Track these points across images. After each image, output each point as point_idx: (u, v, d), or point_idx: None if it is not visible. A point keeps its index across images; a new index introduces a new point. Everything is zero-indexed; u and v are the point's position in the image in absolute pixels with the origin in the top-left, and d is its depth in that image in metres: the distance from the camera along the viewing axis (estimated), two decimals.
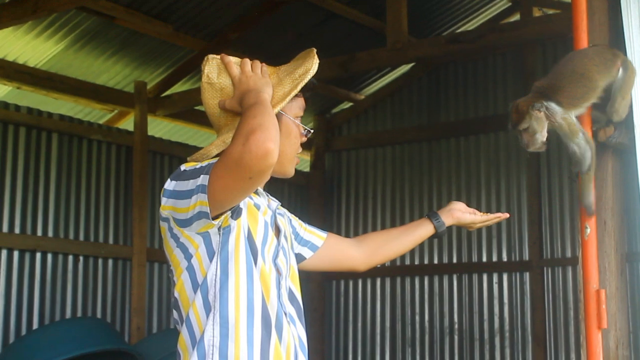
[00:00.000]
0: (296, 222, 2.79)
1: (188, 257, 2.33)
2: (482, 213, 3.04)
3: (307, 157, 9.19)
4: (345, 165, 9.15)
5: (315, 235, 2.83)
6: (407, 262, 8.59)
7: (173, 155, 7.83)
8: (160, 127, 8.67)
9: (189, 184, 2.27)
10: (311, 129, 2.59)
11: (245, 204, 2.36)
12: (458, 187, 8.42)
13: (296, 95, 2.51)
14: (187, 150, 7.88)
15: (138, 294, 7.22)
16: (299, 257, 2.77)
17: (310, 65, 2.46)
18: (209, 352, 2.27)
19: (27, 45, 7.06)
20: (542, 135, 3.43)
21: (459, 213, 3.00)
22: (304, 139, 2.57)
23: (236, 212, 2.32)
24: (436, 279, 8.47)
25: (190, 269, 2.33)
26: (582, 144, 3.43)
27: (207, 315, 2.29)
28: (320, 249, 2.82)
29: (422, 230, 2.97)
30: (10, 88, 7.26)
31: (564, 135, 3.45)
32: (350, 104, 9.22)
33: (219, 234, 2.30)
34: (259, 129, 2.14)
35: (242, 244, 2.32)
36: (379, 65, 7.28)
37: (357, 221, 8.96)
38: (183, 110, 7.89)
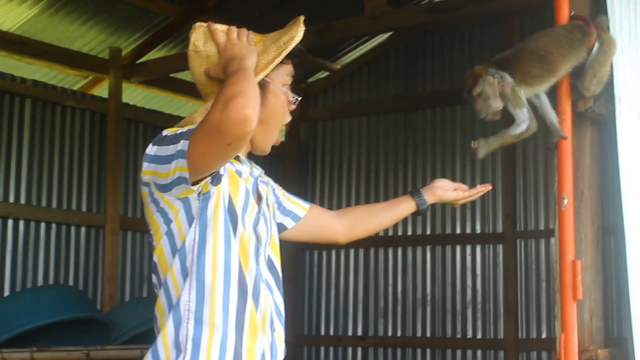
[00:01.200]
0: (279, 191, 2.79)
1: (167, 221, 2.34)
2: (467, 187, 3.05)
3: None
4: (321, 135, 9.12)
5: (298, 206, 2.83)
6: (381, 233, 8.57)
7: (147, 123, 7.76)
8: (135, 95, 8.59)
9: (170, 149, 2.27)
10: (295, 96, 2.58)
11: (226, 170, 2.37)
12: (433, 158, 8.42)
13: (284, 62, 2.50)
14: (161, 118, 7.83)
15: (111, 262, 7.17)
16: (281, 227, 2.76)
17: (296, 33, 2.45)
18: (184, 316, 2.29)
19: (0, 9, 6.96)
20: (496, 102, 3.45)
21: (441, 191, 3.01)
22: (292, 107, 2.57)
23: (216, 178, 2.32)
24: (409, 251, 8.47)
25: (170, 234, 2.34)
26: (523, 116, 3.46)
27: (184, 280, 2.31)
28: (302, 219, 2.82)
29: (403, 207, 2.99)
30: None
31: (509, 104, 3.48)
32: (327, 73, 9.16)
33: (199, 200, 2.31)
34: (238, 95, 2.14)
35: (221, 210, 2.33)
36: (356, 34, 7.26)
37: (332, 191, 8.94)
38: (158, 78, 7.81)
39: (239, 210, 2.36)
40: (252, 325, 2.35)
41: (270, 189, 2.68)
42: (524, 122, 3.47)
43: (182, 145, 2.24)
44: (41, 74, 7.75)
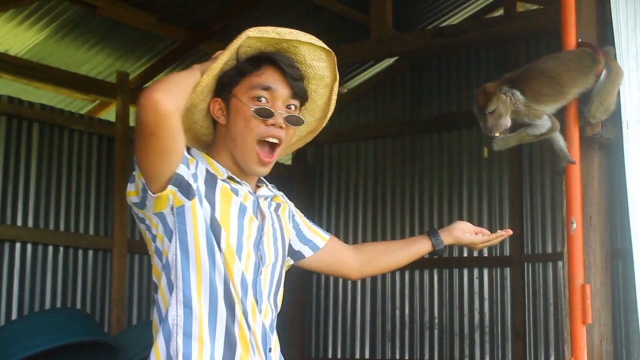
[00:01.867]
0: (300, 218, 2.75)
1: (153, 238, 2.36)
2: (489, 232, 2.98)
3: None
4: (328, 158, 9.13)
5: (318, 236, 2.80)
6: None
7: None
8: None
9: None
10: (263, 106, 2.38)
11: (218, 187, 2.36)
12: (440, 182, 8.41)
13: (253, 75, 2.39)
14: None
15: (118, 285, 7.15)
16: (298, 255, 2.74)
17: (245, 31, 2.38)
18: (173, 331, 2.30)
19: (9, 34, 7.01)
20: (506, 120, 3.45)
21: (459, 232, 2.96)
22: (270, 123, 2.38)
23: (190, 192, 2.30)
24: (417, 274, 8.45)
25: (157, 251, 2.36)
26: (544, 122, 3.45)
27: (171, 295, 2.32)
28: (321, 250, 2.79)
29: (419, 246, 2.93)
30: None
31: (525, 119, 3.47)
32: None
33: (173, 214, 2.30)
34: (151, 85, 2.15)
35: (200, 223, 2.31)
36: (362, 58, 7.28)
37: (339, 214, 8.95)
38: None
39: (231, 226, 2.34)
40: (243, 342, 2.34)
41: (289, 214, 2.65)
42: (544, 125, 3.46)
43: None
44: (49, 98, 7.78)
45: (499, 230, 3.01)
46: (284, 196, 2.65)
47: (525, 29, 6.47)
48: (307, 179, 9.09)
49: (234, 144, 2.39)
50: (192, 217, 2.30)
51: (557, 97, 3.50)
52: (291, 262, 2.69)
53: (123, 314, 7.16)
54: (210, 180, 2.37)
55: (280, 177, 8.81)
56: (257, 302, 2.38)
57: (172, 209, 2.30)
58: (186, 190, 2.29)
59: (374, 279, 8.62)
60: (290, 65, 2.44)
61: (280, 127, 2.40)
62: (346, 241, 8.86)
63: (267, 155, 2.40)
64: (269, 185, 2.57)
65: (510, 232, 3.02)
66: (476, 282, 8.15)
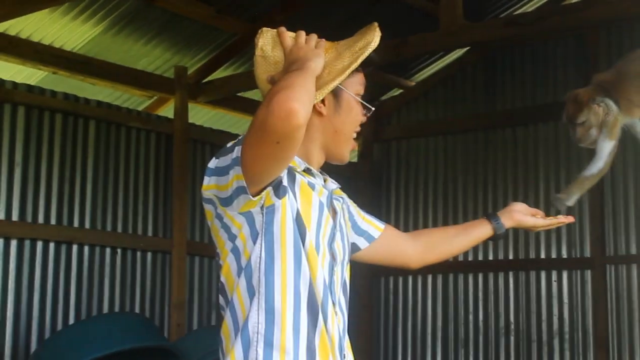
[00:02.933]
0: (354, 209, 2.78)
1: (232, 238, 2.35)
2: (544, 216, 3.03)
3: (355, 149, 9.14)
4: (395, 155, 9.13)
5: (373, 226, 2.82)
6: (460, 258, 8.54)
7: (214, 144, 7.84)
8: (202, 115, 8.70)
9: (228, 159, 2.30)
10: (372, 107, 2.61)
11: (297, 183, 2.37)
12: (515, 180, 8.37)
13: (357, 71, 2.52)
14: (229, 139, 7.82)
15: (178, 289, 7.25)
16: (354, 247, 2.76)
17: (372, 38, 2.47)
18: (253, 339, 2.28)
19: (64, 29, 7.11)
20: (597, 131, 3.39)
21: (519, 215, 3.00)
22: (364, 119, 2.59)
23: (281, 190, 2.32)
24: (491, 277, 8.42)
25: (235, 251, 2.35)
26: (606, 150, 3.40)
27: (251, 301, 2.30)
28: (376, 240, 2.81)
29: (479, 231, 3.00)
30: (46, 73, 7.31)
31: (604, 131, 3.42)
32: (400, 91, 9.18)
33: (262, 214, 2.31)
34: (285, 89, 2.15)
35: (289, 224, 2.32)
36: (431, 49, 7.29)
37: (408, 214, 8.95)
38: (225, 97, 7.90)
39: (311, 225, 2.36)
40: (323, 349, 2.34)
41: (345, 205, 2.68)
42: (601, 159, 3.41)
43: (237, 152, 2.26)
44: (105, 95, 7.88)
45: (560, 216, 3.05)
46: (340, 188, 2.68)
47: (607, 15, 6.31)
48: (374, 177, 9.11)
49: (335, 135, 2.51)
50: (281, 217, 2.31)
51: None
52: (349, 257, 2.67)
53: (183, 319, 7.27)
54: (290, 175, 2.37)
55: (345, 175, 8.81)
56: (334, 305, 2.41)
57: (262, 208, 2.31)
58: (278, 188, 2.31)
59: (445, 281, 8.62)
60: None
61: None
62: None
63: (354, 144, 2.59)
64: (329, 178, 2.59)
65: (572, 219, 3.06)
66: (554, 285, 8.08)
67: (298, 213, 2.34)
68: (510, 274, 8.32)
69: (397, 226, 8.79)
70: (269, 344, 2.28)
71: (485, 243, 8.37)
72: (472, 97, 8.76)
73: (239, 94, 7.95)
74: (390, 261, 2.92)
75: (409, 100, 9.10)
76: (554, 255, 8.11)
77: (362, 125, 2.60)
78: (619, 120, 3.39)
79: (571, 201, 3.44)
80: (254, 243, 2.31)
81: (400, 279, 8.87)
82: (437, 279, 8.66)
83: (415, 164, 8.99)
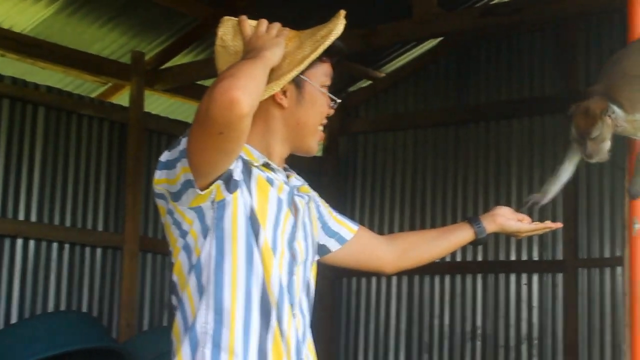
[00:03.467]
0: (325, 209, 2.73)
1: (183, 234, 2.34)
2: (531, 221, 3.00)
3: (322, 139, 9.15)
4: (362, 149, 9.09)
5: (345, 227, 2.77)
6: None
7: (171, 135, 7.74)
8: (159, 103, 8.69)
9: (176, 152, 2.30)
10: (339, 98, 2.58)
11: (254, 177, 2.36)
12: (486, 177, 8.34)
13: (322, 61, 2.50)
14: (186, 129, 7.82)
15: (129, 287, 7.18)
16: (324, 249, 2.72)
17: (334, 26, 2.45)
18: (201, 340, 2.27)
19: (13, 9, 7.00)
20: (608, 144, 3.34)
21: (502, 219, 2.96)
22: (331, 111, 2.55)
23: (232, 185, 2.30)
24: (458, 279, 8.40)
25: (186, 248, 2.34)
26: None
27: (200, 299, 2.29)
28: (348, 242, 2.76)
29: (459, 235, 2.93)
30: None
31: (628, 134, 3.37)
32: (369, 82, 9.15)
33: (213, 209, 2.30)
34: (229, 77, 2.14)
35: (241, 220, 2.30)
36: (403, 39, 7.33)
37: (373, 211, 8.91)
38: (184, 85, 7.84)
39: (267, 222, 2.34)
40: (276, 352, 2.32)
41: (314, 204, 2.64)
42: None
43: (183, 144, 2.26)
44: (56, 80, 7.80)
45: (547, 221, 3.02)
46: (308, 185, 2.64)
47: (586, 7, 6.35)
48: (340, 172, 9.08)
49: (298, 127, 2.49)
50: (232, 212, 2.30)
51: None
52: (316, 258, 2.63)
53: (133, 319, 7.20)
54: (246, 169, 2.36)
55: (310, 169, 8.77)
56: (291, 306, 2.38)
57: (212, 202, 2.29)
58: (229, 182, 2.30)
59: (410, 284, 8.58)
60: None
61: None
62: None
63: (321, 135, 2.57)
64: (295, 174, 2.56)
65: (560, 225, 3.06)
66: (524, 288, 8.08)
67: (252, 209, 2.32)
68: (479, 276, 8.31)
69: (362, 223, 8.75)
70: (216, 345, 2.27)
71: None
72: (444, 90, 8.74)
73: (198, 82, 7.87)
74: (364, 265, 2.86)
75: (378, 92, 9.08)
76: (524, 258, 8.09)
77: (328, 117, 2.56)
78: (632, 117, 3.34)
79: None
80: (205, 239, 2.30)
81: (364, 280, 8.83)
82: (402, 281, 8.65)
83: (384, 159, 8.95)
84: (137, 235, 7.28)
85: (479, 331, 8.24)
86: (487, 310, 8.23)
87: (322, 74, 2.52)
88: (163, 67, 7.78)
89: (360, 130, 9.06)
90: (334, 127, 9.00)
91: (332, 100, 2.55)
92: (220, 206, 2.29)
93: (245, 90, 2.12)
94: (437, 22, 6.56)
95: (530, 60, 8.25)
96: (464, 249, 8.30)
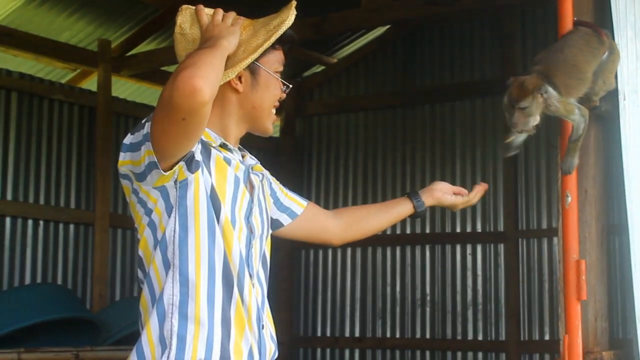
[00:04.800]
0: (277, 186, 2.78)
1: (148, 212, 2.35)
2: (467, 192, 3.08)
3: (277, 122, 9.15)
4: (317, 131, 9.13)
5: (296, 203, 2.82)
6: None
7: (137, 117, 7.70)
8: (125, 88, 8.58)
9: (140, 135, 2.30)
10: (290, 84, 2.60)
11: (212, 157, 2.38)
12: (432, 155, 8.43)
13: (275, 49, 2.52)
14: (150, 113, 7.84)
15: (100, 261, 7.18)
16: (277, 224, 2.77)
17: (286, 16, 2.46)
18: (168, 311, 2.29)
19: None
20: (535, 120, 3.43)
21: (439, 193, 3.02)
22: (283, 95, 2.57)
23: (194, 165, 2.32)
24: (408, 250, 8.49)
25: (151, 225, 2.34)
26: (577, 118, 3.46)
27: (167, 273, 2.30)
28: (299, 217, 2.81)
29: (400, 209, 2.99)
30: None
31: (560, 114, 3.47)
32: (322, 67, 9.17)
33: (176, 188, 2.31)
34: (191, 66, 2.16)
35: (202, 199, 2.32)
36: (352, 26, 7.26)
37: (328, 188, 8.96)
38: (149, 71, 7.82)
39: (226, 199, 2.36)
40: (239, 320, 2.35)
41: (267, 182, 2.67)
42: (580, 123, 3.47)
43: (147, 128, 2.26)
44: (28, 67, 7.73)
45: (475, 186, 3.10)
46: (260, 164, 2.67)
47: None
48: (296, 152, 9.11)
49: (254, 110, 2.51)
50: (195, 190, 2.32)
51: (582, 85, 3.50)
52: (269, 231, 2.66)
53: (105, 291, 7.20)
54: (205, 150, 2.38)
55: (268, 150, 8.82)
56: (251, 277, 2.40)
57: (175, 182, 2.31)
58: (191, 163, 2.31)
59: (364, 255, 8.66)
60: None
61: None
62: None
63: (274, 118, 2.59)
64: (249, 154, 2.59)
65: (486, 185, 3.13)
66: (469, 258, 8.19)
67: (212, 187, 2.34)
68: (427, 247, 8.40)
69: (318, 200, 8.82)
70: (183, 316, 2.28)
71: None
72: (392, 75, 8.77)
73: (162, 68, 7.83)
74: (313, 238, 2.91)
75: (331, 77, 9.09)
76: (469, 230, 8.20)
77: (282, 101, 2.59)
78: (564, 100, 3.44)
79: (572, 164, 3.47)
80: (169, 217, 2.32)
81: (320, 252, 8.88)
82: (356, 252, 8.70)
83: (336, 139, 9.00)
84: (107, 212, 7.26)
85: (428, 298, 8.34)
86: (435, 278, 8.34)
87: (275, 61, 2.53)
88: (129, 54, 7.73)
89: (314, 113, 9.08)
90: (290, 110, 9.01)
91: (285, 85, 2.56)
92: (182, 185, 2.30)
93: (206, 79, 2.14)
94: (384, 11, 6.56)
95: (471, 47, 8.31)
96: (412, 221, 8.43)
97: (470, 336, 8.13)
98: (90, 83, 7.88)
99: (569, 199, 3.51)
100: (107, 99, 7.43)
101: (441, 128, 8.43)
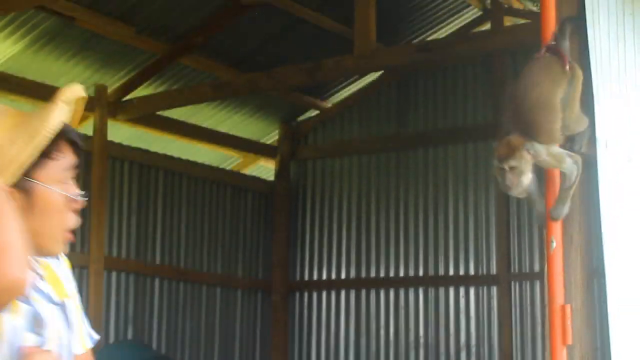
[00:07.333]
0: None
1: None
2: None
3: (271, 166, 9.20)
4: (311, 174, 9.16)
5: None
6: (373, 274, 8.60)
7: (133, 161, 7.81)
8: (121, 132, 8.59)
9: None
10: (80, 193, 1.96)
11: None
12: (425, 199, 8.45)
13: (52, 158, 1.89)
14: (147, 156, 7.90)
15: (95, 304, 7.17)
16: None
17: (48, 118, 1.87)
18: None
19: None
20: (527, 178, 3.42)
21: None
22: (77, 205, 1.95)
23: None
24: (402, 292, 8.49)
25: None
26: (569, 166, 3.45)
27: None
28: None
29: None
30: None
31: (553, 167, 3.46)
32: (317, 111, 9.23)
33: None
34: (6, 260, 1.72)
35: None
36: (345, 72, 7.37)
37: (322, 232, 8.98)
38: (144, 115, 7.86)
39: None
40: None
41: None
42: (572, 170, 3.45)
43: None
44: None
45: None
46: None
47: (512, 43, 6.52)
48: (290, 195, 9.11)
49: (38, 238, 1.89)
50: None
51: (558, 121, 3.49)
52: None
53: (100, 333, 7.14)
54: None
55: (263, 192, 8.86)
56: None
57: None
58: None
59: (357, 297, 8.66)
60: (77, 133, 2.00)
61: None
62: (330, 258, 8.88)
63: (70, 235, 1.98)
64: None
65: None
66: (462, 300, 8.19)
67: None
68: (420, 289, 8.40)
69: (312, 242, 8.87)
70: None
71: (396, 259, 8.50)
72: (386, 119, 8.82)
73: (157, 113, 7.91)
74: None
75: (325, 121, 9.15)
76: (462, 272, 8.21)
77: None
78: (552, 150, 3.42)
79: (562, 212, 3.47)
80: None
81: (315, 294, 8.89)
82: (350, 294, 8.70)
83: (331, 183, 9.02)
84: (102, 255, 7.27)
85: (421, 340, 8.33)
86: (428, 321, 8.33)
87: (58, 169, 1.91)
88: (124, 98, 7.78)
89: (309, 157, 9.12)
90: (285, 153, 9.06)
91: (75, 194, 1.94)
92: None
93: (20, 266, 1.73)
94: (377, 57, 6.62)
95: (464, 91, 8.36)
96: (406, 264, 8.44)
97: None
98: (86, 127, 7.86)
99: (554, 244, 3.53)
100: (104, 142, 7.48)
101: (434, 171, 8.45)
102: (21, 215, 1.82)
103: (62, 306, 2.02)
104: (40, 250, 1.93)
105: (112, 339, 7.46)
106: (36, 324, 1.92)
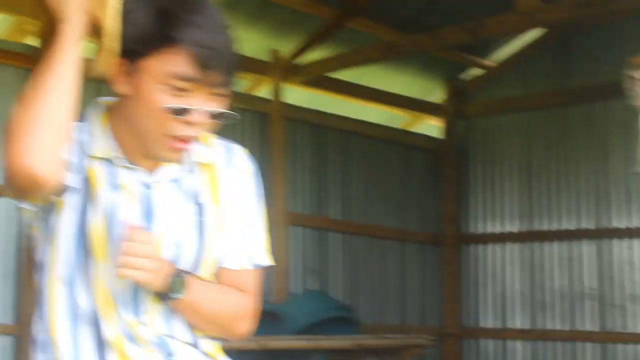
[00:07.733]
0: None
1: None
2: None
3: (437, 124, 9.49)
4: (478, 131, 9.33)
5: None
6: (541, 227, 8.82)
7: (309, 122, 8.21)
8: (296, 95, 8.87)
9: None
10: (187, 106, 1.71)
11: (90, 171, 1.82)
12: (588, 154, 8.55)
13: (172, 45, 1.67)
14: (322, 117, 8.31)
15: (280, 256, 7.42)
16: None
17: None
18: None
19: None
20: None
21: None
22: (181, 125, 1.72)
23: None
24: (566, 245, 8.65)
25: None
26: None
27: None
28: None
29: None
30: None
31: None
32: (479, 69, 9.34)
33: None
34: (11, 132, 1.60)
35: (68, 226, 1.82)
36: (507, 31, 7.41)
37: (490, 186, 9.19)
38: (316, 78, 8.14)
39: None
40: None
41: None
42: None
43: None
44: None
45: None
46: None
47: None
48: (458, 151, 9.34)
49: (136, 126, 1.77)
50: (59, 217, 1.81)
51: None
52: None
53: (286, 284, 7.59)
54: (81, 159, 1.81)
55: (431, 149, 9.11)
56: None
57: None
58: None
59: (526, 249, 8.87)
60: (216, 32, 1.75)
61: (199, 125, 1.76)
62: (500, 212, 8.78)
63: (181, 144, 1.77)
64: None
65: None
66: (626, 252, 8.31)
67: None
68: (585, 242, 8.54)
69: (477, 200, 9.09)
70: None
71: (568, 211, 8.53)
72: (549, 75, 8.85)
73: (328, 75, 8.18)
74: None
75: (489, 78, 9.26)
76: (626, 225, 8.32)
77: (197, 128, 1.75)
78: None
79: None
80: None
81: (485, 247, 9.16)
82: (519, 247, 8.94)
83: (496, 139, 9.17)
84: (285, 210, 7.64)
85: (586, 291, 8.50)
86: (594, 272, 8.49)
87: (173, 64, 1.66)
88: (298, 62, 8.04)
89: (475, 114, 9.30)
90: (451, 111, 9.28)
91: (179, 110, 1.69)
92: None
93: (36, 152, 1.57)
94: (538, 14, 6.65)
95: (628, 45, 8.18)
96: (578, 217, 8.58)
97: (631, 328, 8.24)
98: (264, 91, 8.26)
99: None
100: (280, 105, 7.83)
101: (598, 126, 8.50)
102: (125, 99, 1.73)
103: (200, 206, 1.86)
104: (146, 149, 1.78)
105: (295, 290, 7.81)
106: (147, 212, 1.81)
